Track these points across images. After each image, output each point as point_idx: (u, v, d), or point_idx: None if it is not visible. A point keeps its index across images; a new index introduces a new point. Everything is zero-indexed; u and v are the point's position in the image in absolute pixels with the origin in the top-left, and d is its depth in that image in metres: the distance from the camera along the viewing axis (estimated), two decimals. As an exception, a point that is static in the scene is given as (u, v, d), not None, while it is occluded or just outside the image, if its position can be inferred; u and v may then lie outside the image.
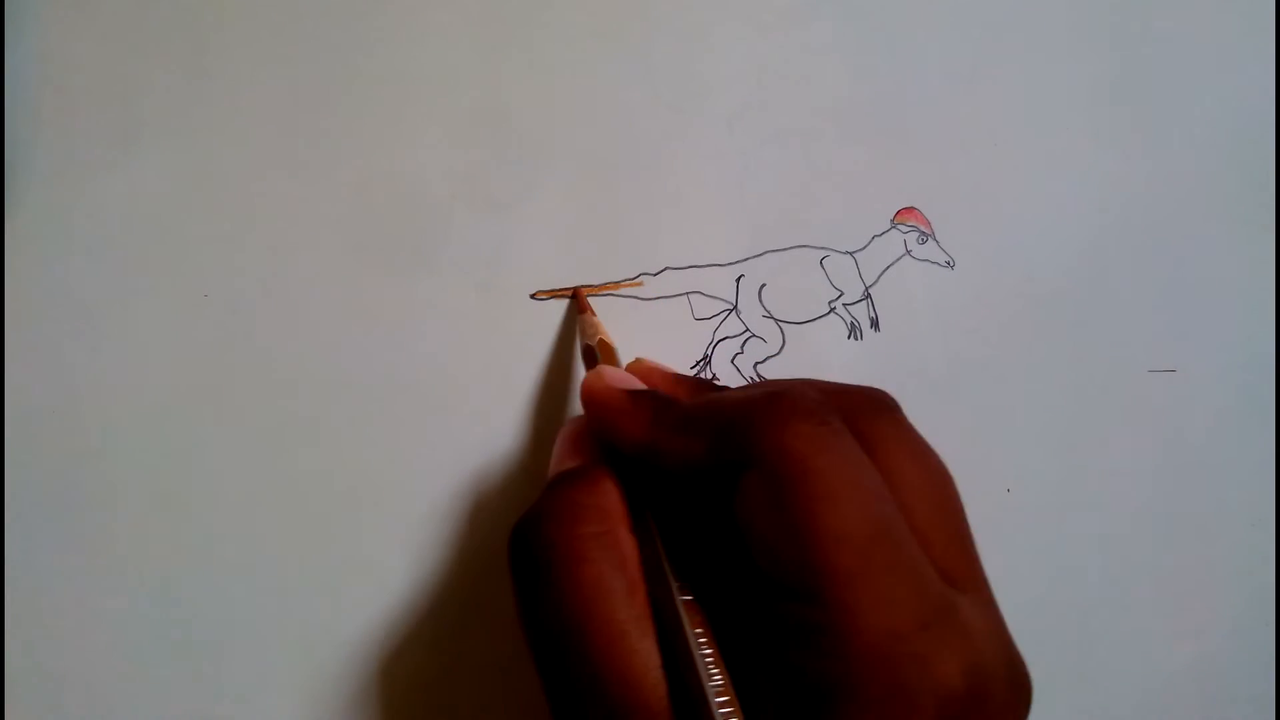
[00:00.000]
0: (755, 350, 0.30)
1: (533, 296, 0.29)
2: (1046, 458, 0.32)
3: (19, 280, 0.28)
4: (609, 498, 0.21)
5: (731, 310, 0.30)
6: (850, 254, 0.31)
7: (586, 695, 0.19)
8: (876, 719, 0.17)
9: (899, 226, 0.31)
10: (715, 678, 0.18)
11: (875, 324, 0.31)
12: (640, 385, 0.24)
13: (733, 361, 0.30)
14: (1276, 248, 0.33)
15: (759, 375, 0.30)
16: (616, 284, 0.29)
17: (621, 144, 0.30)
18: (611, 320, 0.29)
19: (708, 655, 0.18)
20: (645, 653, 0.19)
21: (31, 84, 0.28)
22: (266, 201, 0.29)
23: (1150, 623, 0.31)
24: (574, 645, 0.19)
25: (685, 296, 0.30)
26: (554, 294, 0.29)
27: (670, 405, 0.22)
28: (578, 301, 0.29)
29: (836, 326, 0.31)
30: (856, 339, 0.31)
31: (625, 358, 0.29)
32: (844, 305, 0.31)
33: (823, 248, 0.31)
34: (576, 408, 0.29)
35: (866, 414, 0.20)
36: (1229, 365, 0.33)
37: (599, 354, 0.26)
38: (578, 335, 0.29)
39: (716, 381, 0.30)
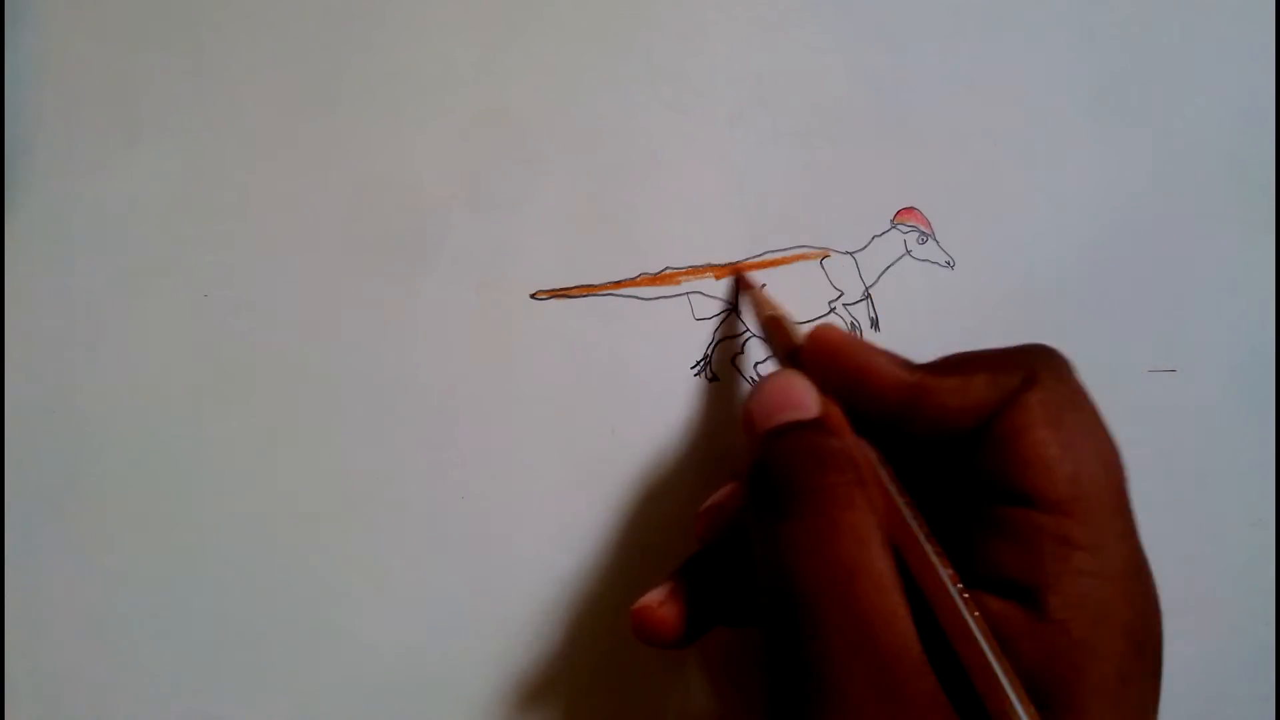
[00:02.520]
0: (755, 350, 0.30)
1: (533, 296, 0.29)
2: (1046, 458, 0.31)
3: (19, 280, 0.28)
4: (858, 448, 0.21)
5: (731, 310, 0.30)
6: (850, 254, 0.31)
7: (847, 647, 0.18)
8: (1123, 641, 0.18)
9: (899, 226, 0.31)
10: (988, 643, 0.18)
11: (875, 324, 0.31)
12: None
13: (733, 361, 0.30)
14: (1276, 248, 0.33)
15: (759, 375, 0.30)
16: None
17: (621, 144, 0.30)
18: (612, 320, 0.29)
19: (976, 615, 0.18)
20: (903, 605, 0.18)
21: (31, 84, 0.28)
22: (266, 201, 0.29)
23: (1150, 623, 0.31)
24: (840, 594, 0.18)
25: (685, 296, 0.30)
26: (554, 294, 0.29)
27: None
28: (740, 281, 0.29)
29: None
30: (856, 339, 0.31)
31: (624, 357, 0.29)
32: (844, 305, 0.31)
33: (823, 248, 0.31)
34: (577, 408, 0.29)
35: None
36: (1229, 365, 0.33)
37: (786, 326, 0.26)
38: (751, 313, 0.29)
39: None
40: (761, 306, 0.28)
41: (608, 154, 0.30)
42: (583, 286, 0.29)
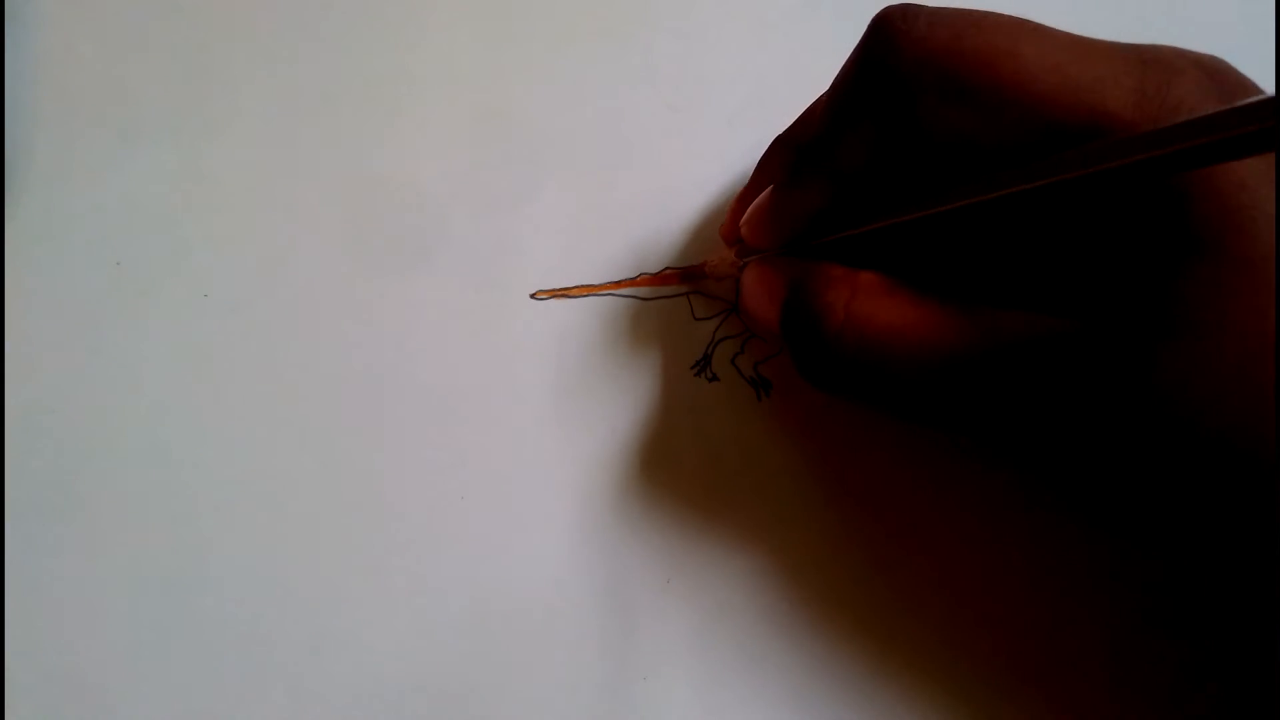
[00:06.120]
0: (755, 350, 0.30)
1: (533, 296, 0.29)
2: (1047, 458, 0.31)
3: (19, 280, 0.28)
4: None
5: (732, 310, 0.30)
6: (850, 254, 0.31)
7: None
8: None
9: (899, 226, 0.31)
10: None
11: (875, 324, 0.31)
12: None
13: (733, 361, 0.30)
14: (1277, 247, 0.33)
15: (759, 375, 0.30)
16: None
17: (621, 144, 0.30)
18: (611, 320, 0.29)
19: None
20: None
21: (31, 84, 0.28)
22: (266, 201, 0.29)
23: (1150, 623, 0.31)
24: None
25: (685, 296, 0.30)
26: (554, 294, 0.29)
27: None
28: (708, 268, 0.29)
29: (836, 326, 0.30)
30: (856, 339, 0.30)
31: (624, 357, 0.29)
32: (844, 305, 0.31)
33: (823, 248, 0.31)
34: (577, 408, 0.29)
35: None
36: (1229, 365, 0.32)
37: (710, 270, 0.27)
38: (712, 289, 0.29)
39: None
40: (717, 276, 0.29)
41: (608, 154, 0.30)
42: (583, 286, 0.29)
